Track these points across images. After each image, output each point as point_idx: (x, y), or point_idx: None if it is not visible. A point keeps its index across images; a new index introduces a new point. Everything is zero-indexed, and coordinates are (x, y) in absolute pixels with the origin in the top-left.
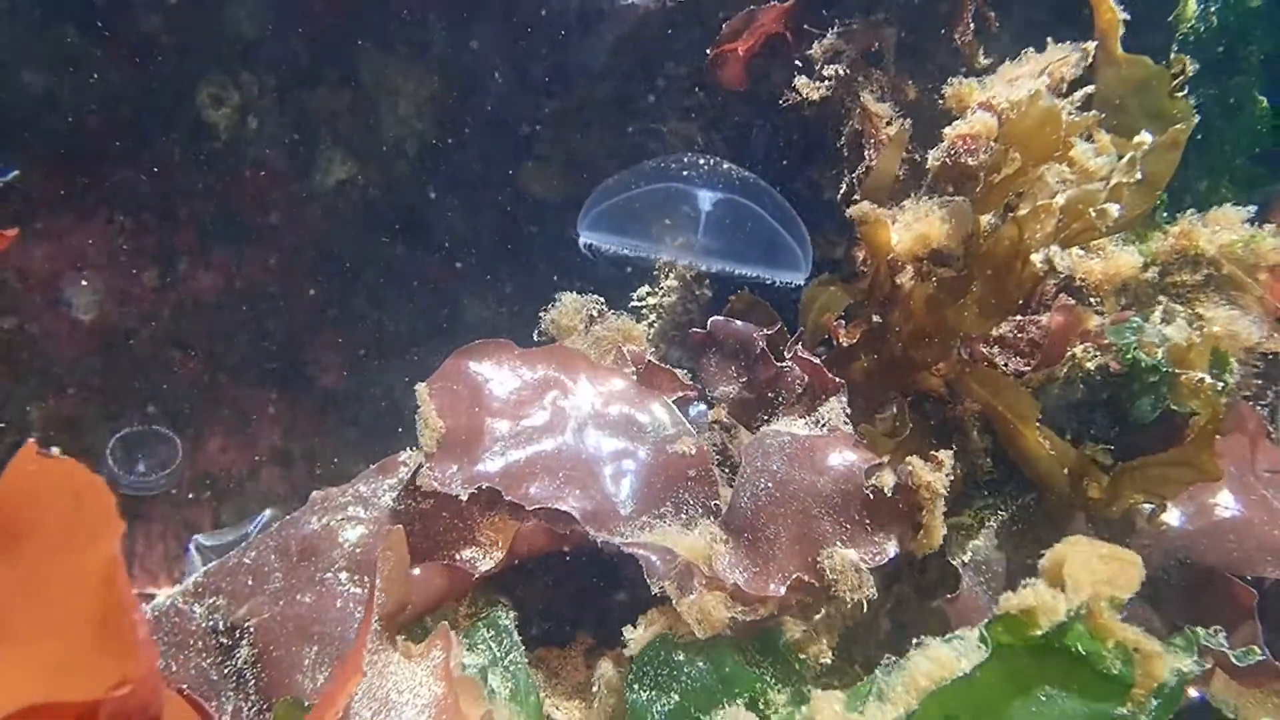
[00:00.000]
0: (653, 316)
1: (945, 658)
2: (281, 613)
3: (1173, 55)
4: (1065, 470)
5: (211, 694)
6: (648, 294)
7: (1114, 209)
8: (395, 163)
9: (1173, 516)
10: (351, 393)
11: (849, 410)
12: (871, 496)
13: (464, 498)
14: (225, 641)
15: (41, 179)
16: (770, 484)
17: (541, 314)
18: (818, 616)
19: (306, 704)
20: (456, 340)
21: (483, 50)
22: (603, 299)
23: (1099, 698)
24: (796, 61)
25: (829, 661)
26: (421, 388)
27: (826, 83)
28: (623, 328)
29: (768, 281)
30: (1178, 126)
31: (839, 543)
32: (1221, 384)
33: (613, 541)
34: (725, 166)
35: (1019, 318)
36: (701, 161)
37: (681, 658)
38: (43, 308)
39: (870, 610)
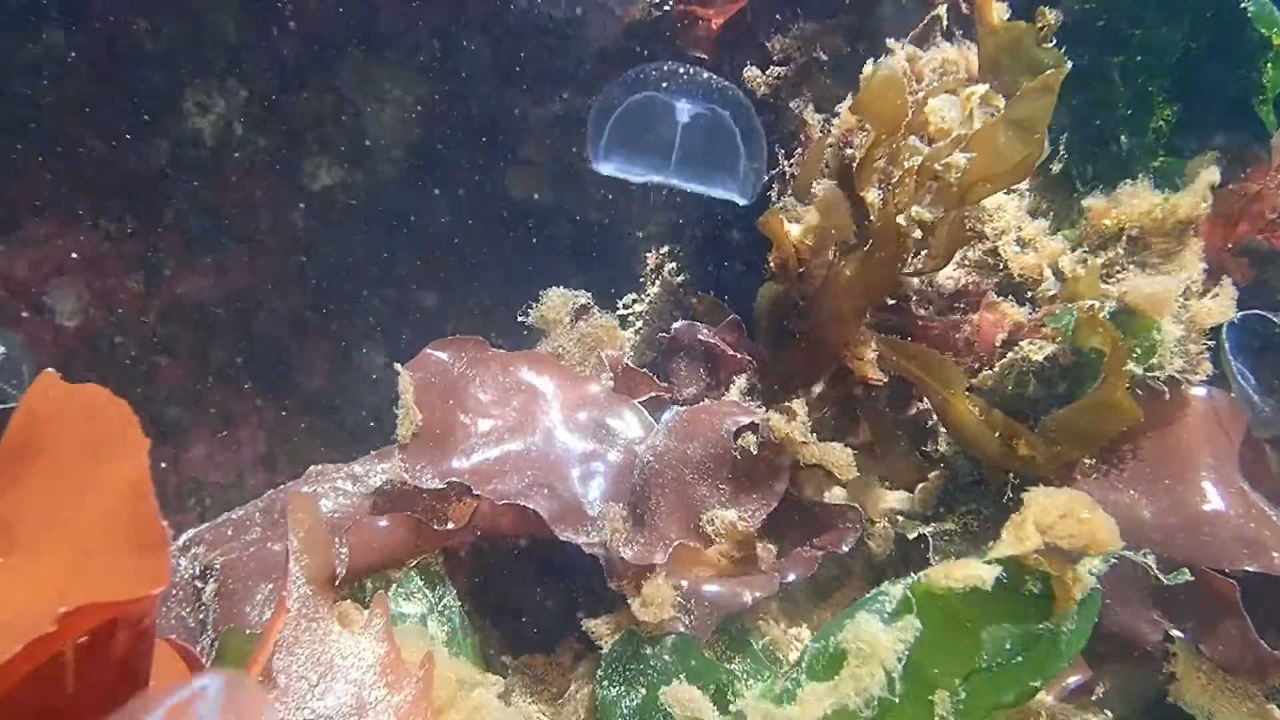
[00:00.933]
0: (639, 324)
1: (877, 638)
2: (251, 555)
3: (1038, 9)
4: (996, 434)
5: (190, 640)
6: (633, 301)
7: (959, 159)
8: (381, 167)
9: (1147, 511)
10: (338, 397)
11: (760, 385)
12: (741, 457)
13: (436, 486)
14: (200, 585)
15: (25, 184)
16: (651, 458)
17: (531, 308)
18: (803, 621)
19: (249, 632)
20: None
21: (469, 56)
22: (590, 293)
23: (1022, 619)
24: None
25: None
26: (404, 373)
27: (772, 81)
28: (606, 325)
29: (721, 196)
30: (1048, 71)
31: (717, 505)
32: (1104, 304)
33: (576, 541)
34: (705, 75)
35: (954, 316)
36: (681, 70)
37: (649, 652)
38: (26, 314)
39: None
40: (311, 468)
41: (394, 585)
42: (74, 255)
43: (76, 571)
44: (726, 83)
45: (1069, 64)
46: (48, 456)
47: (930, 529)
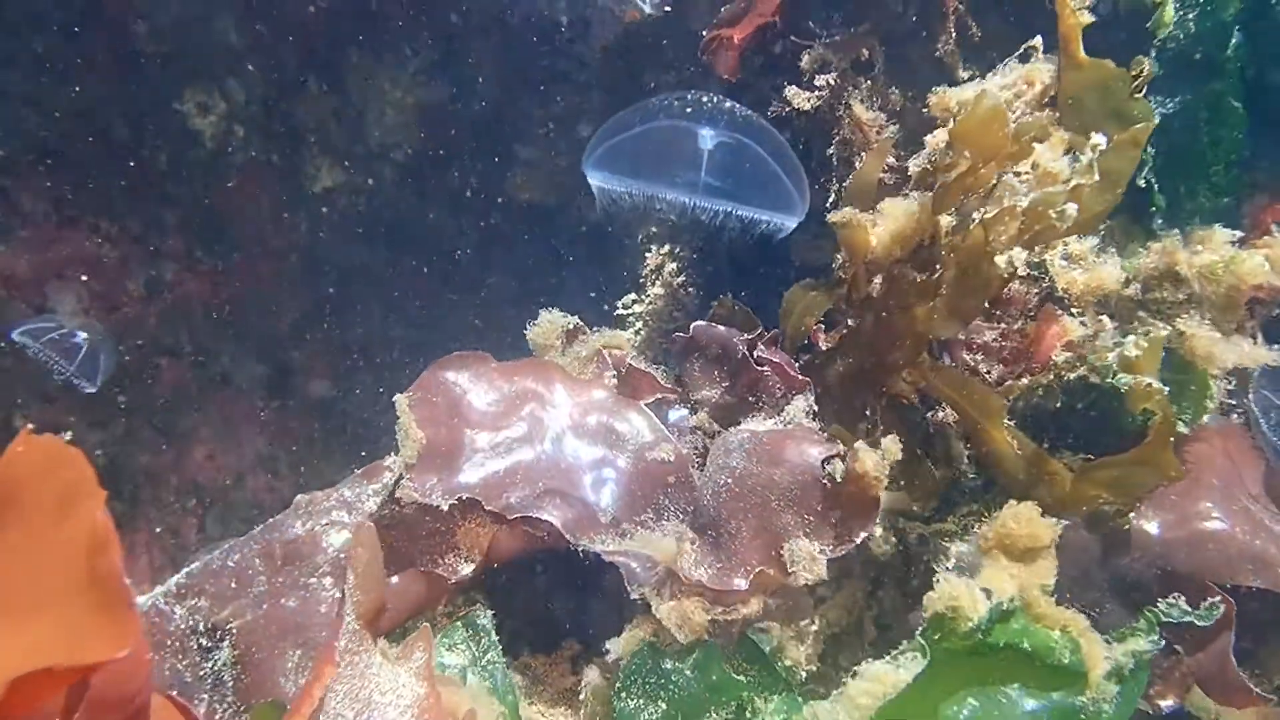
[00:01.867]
0: (639, 324)
1: (883, 674)
2: (265, 615)
3: (1135, 57)
4: (1033, 470)
5: (184, 695)
6: (633, 301)
7: (1071, 209)
8: (382, 170)
9: (1153, 525)
10: (339, 400)
11: (816, 408)
12: (828, 486)
13: (444, 508)
14: (205, 643)
15: (25, 187)
16: (730, 480)
17: (534, 310)
18: (803, 623)
19: (288, 706)
20: (444, 346)
21: (470, 59)
22: (577, 316)
23: (1053, 688)
24: (788, 48)
25: (814, 668)
26: (401, 399)
27: (817, 93)
28: (604, 343)
29: (764, 221)
30: (1138, 126)
31: (800, 534)
32: (1166, 386)
33: (593, 549)
34: (728, 104)
35: (1003, 325)
36: (704, 99)
37: (669, 666)
38: (27, 316)
39: (856, 616)
40: (299, 497)
41: (439, 635)
42: (74, 258)
43: (38, 634)
44: (748, 111)
45: (1157, 118)
46: (11, 513)
47: (931, 530)
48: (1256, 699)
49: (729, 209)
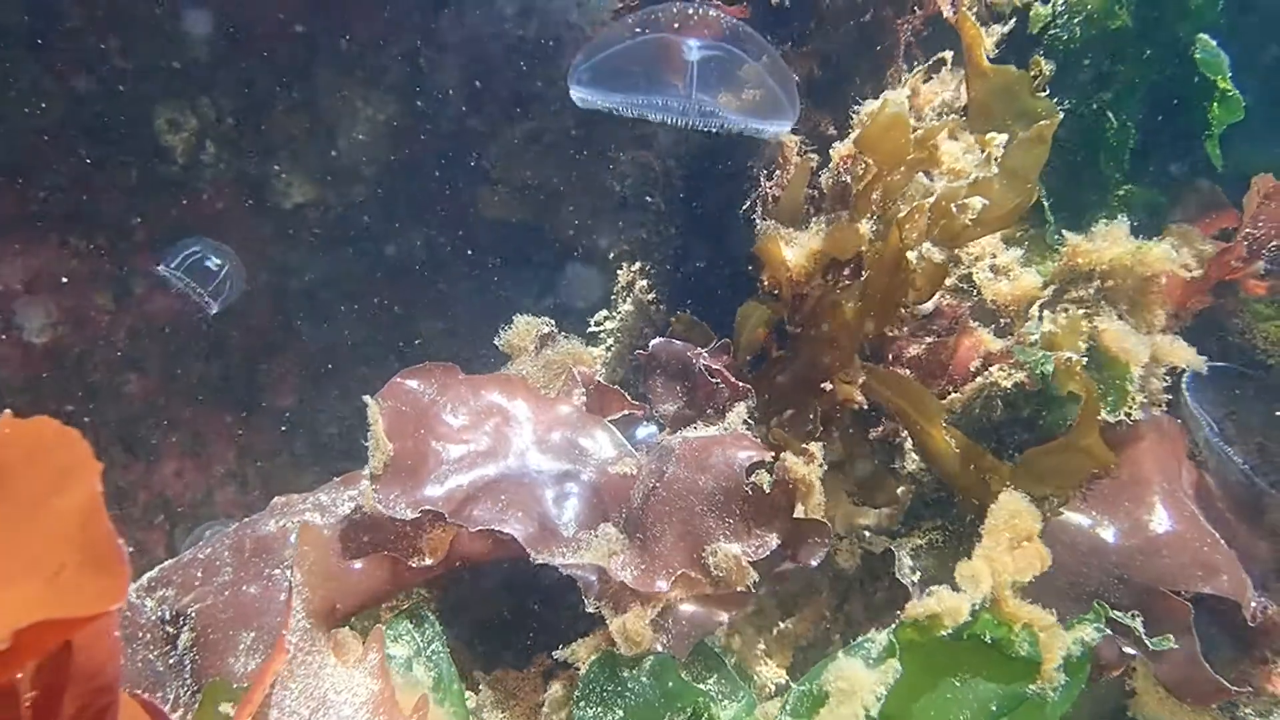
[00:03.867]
0: (610, 340)
1: (859, 677)
2: (226, 601)
3: (1033, 57)
4: (971, 467)
5: (156, 686)
6: (605, 318)
7: (976, 202)
8: (353, 185)
9: (1109, 533)
10: (307, 414)
11: (754, 413)
12: (751, 492)
13: (408, 518)
14: (170, 630)
15: None
16: (658, 484)
17: (500, 332)
18: (770, 635)
19: (235, 686)
20: (413, 361)
21: (440, 75)
22: (553, 321)
23: (1010, 679)
24: None
25: (782, 680)
26: (373, 403)
27: None
28: (572, 351)
29: (755, 129)
30: (1042, 123)
31: (722, 538)
32: (1084, 357)
33: (552, 562)
34: (713, 14)
35: (930, 340)
36: (690, 11)
37: (626, 674)
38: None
39: (821, 629)
40: (275, 499)
41: (384, 628)
42: (42, 272)
43: (35, 595)
44: (737, 21)
45: (1060, 115)
46: (3, 489)
47: (896, 544)
48: (1230, 693)
49: (720, 119)
